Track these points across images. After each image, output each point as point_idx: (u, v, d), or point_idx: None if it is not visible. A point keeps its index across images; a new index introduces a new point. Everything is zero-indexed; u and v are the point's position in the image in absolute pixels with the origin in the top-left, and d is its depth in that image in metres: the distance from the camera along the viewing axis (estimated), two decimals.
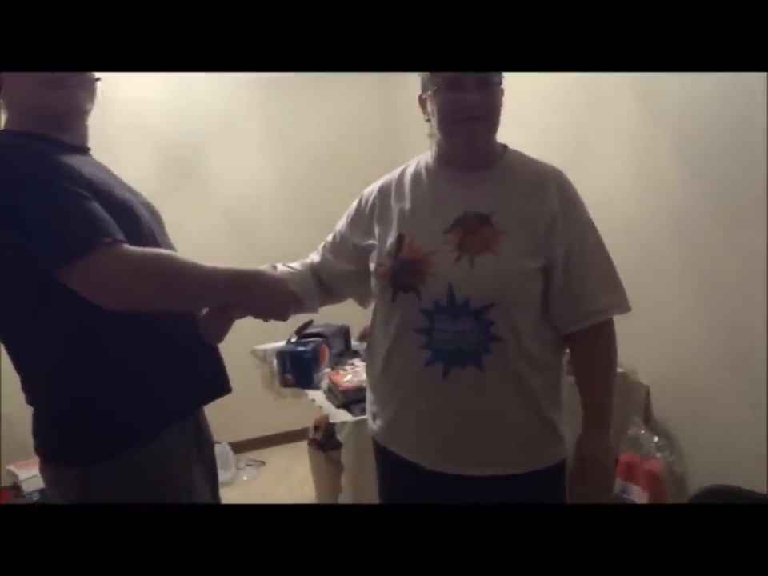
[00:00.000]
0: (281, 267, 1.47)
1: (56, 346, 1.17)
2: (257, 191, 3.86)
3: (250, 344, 2.69)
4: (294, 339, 1.55)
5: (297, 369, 1.44)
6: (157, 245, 1.26)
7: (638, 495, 2.25)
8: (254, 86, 3.81)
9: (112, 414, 1.19)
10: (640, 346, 2.48)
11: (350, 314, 1.84)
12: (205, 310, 1.31)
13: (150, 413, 1.22)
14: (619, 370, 2.50)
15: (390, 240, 1.38)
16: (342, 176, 3.95)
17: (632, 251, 2.44)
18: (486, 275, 1.28)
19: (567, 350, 1.41)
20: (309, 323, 1.64)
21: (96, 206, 1.12)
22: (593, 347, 1.37)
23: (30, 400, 1.25)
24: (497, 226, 1.30)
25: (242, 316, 1.34)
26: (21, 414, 1.60)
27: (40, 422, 1.24)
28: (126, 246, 1.13)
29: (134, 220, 1.22)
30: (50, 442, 1.23)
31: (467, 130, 1.31)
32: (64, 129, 1.24)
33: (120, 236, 1.13)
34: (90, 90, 1.27)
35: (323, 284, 1.53)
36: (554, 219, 1.31)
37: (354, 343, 2.55)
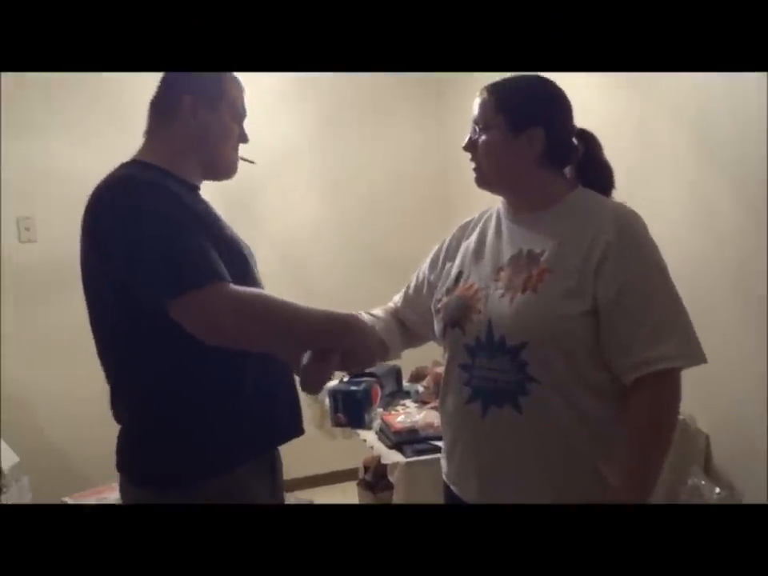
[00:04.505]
0: (364, 316, 1.49)
1: (151, 372, 1.25)
2: (310, 230, 3.90)
3: None
4: (345, 378, 1.55)
5: (349, 408, 1.44)
6: (256, 285, 1.34)
7: None
8: (309, 125, 3.87)
9: (197, 442, 1.25)
10: (698, 392, 2.40)
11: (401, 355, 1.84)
12: (306, 360, 1.34)
13: (233, 447, 1.27)
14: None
15: (451, 276, 1.41)
16: (395, 216, 3.97)
17: (687, 296, 2.35)
18: (522, 313, 1.25)
19: None
20: None
21: (208, 246, 1.21)
22: (643, 400, 1.22)
23: (119, 418, 1.32)
24: (543, 264, 1.27)
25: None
26: (77, 447, 1.62)
27: (126, 441, 1.31)
28: (231, 285, 1.20)
29: (239, 260, 1.31)
30: (134, 461, 1.30)
31: (475, 177, 1.37)
32: (197, 173, 1.37)
33: (227, 275, 1.21)
34: None
35: (406, 328, 1.55)
36: (605, 259, 1.24)
37: (405, 384, 2.54)
